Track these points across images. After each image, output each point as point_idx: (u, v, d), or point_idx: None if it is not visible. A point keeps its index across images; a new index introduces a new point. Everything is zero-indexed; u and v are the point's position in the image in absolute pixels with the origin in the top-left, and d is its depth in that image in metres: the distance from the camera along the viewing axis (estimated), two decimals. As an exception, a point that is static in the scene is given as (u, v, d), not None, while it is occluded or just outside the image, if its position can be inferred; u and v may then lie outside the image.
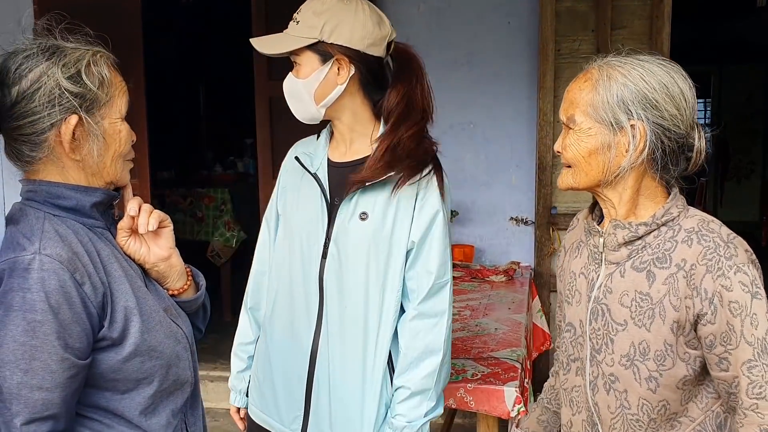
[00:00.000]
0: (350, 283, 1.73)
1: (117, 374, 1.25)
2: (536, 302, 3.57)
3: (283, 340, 1.83)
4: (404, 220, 1.72)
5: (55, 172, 1.27)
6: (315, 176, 1.79)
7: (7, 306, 1.14)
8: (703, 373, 1.38)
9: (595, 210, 1.53)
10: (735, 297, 1.28)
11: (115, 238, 1.35)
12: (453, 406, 2.17)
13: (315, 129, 1.90)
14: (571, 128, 1.40)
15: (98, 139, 1.26)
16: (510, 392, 2.12)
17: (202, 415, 1.48)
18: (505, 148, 4.08)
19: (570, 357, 1.54)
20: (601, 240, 1.44)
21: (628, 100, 1.35)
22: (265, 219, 1.96)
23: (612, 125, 1.36)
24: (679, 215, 1.39)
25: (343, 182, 1.76)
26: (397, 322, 1.75)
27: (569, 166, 1.43)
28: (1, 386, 1.13)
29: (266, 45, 1.73)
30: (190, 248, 5.50)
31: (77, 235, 1.24)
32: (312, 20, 1.67)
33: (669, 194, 1.43)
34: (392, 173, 1.68)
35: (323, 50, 1.68)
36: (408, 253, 1.73)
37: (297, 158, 1.83)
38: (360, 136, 1.78)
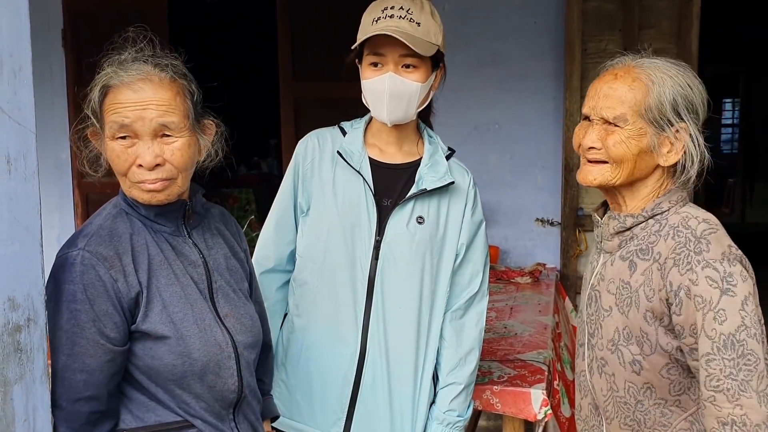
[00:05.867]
0: (405, 286, 1.77)
1: (150, 369, 1.32)
2: (567, 303, 3.54)
3: (324, 341, 1.79)
4: (455, 225, 1.82)
5: None
6: (360, 174, 1.77)
7: (57, 298, 1.24)
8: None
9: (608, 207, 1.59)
10: (700, 291, 1.30)
11: (191, 242, 1.43)
12: (479, 408, 2.16)
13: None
14: (618, 126, 1.41)
15: (104, 158, 1.37)
16: (537, 394, 2.10)
17: (258, 423, 1.51)
18: (530, 149, 4.05)
19: (579, 342, 1.61)
20: (599, 231, 1.54)
21: (679, 103, 1.40)
22: (278, 215, 1.85)
23: (661, 127, 1.40)
24: (669, 210, 1.44)
25: (395, 183, 1.79)
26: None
27: (604, 162, 1.44)
28: None
29: (406, 38, 1.64)
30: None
31: (135, 236, 1.34)
32: (433, 26, 1.71)
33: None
34: (453, 180, 1.79)
35: (437, 58, 1.75)
36: (456, 255, 1.83)
37: (339, 153, 1.78)
38: (410, 141, 1.84)
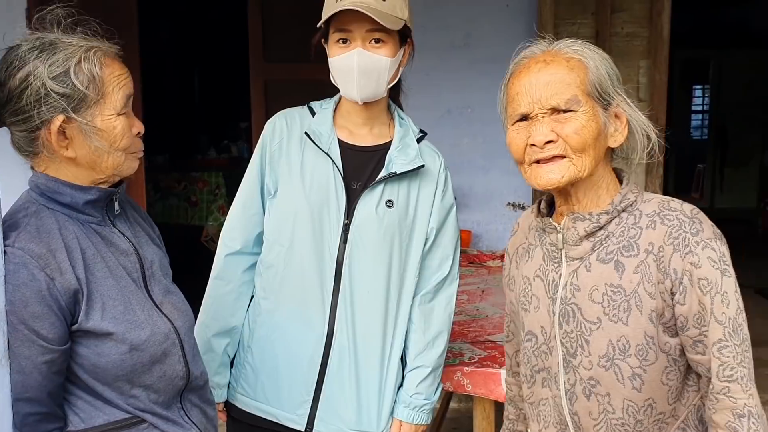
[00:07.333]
0: (374, 269, 1.75)
1: (97, 368, 1.27)
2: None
3: (291, 324, 1.77)
4: (425, 209, 1.80)
5: (54, 166, 1.29)
6: (329, 156, 1.74)
7: None
8: (686, 366, 1.31)
9: (541, 208, 1.44)
10: (704, 274, 1.22)
11: (117, 232, 1.36)
12: (450, 390, 2.16)
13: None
14: (572, 111, 1.28)
15: (91, 137, 1.26)
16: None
17: (206, 405, 1.48)
18: (502, 133, 4.00)
19: (534, 368, 1.43)
20: (560, 236, 1.36)
21: (612, 76, 1.31)
22: (245, 196, 1.82)
23: (607, 102, 1.30)
24: (636, 200, 1.33)
25: (365, 166, 1.77)
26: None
27: (561, 157, 1.29)
28: None
29: (373, 12, 1.61)
30: (184, 233, 5.50)
31: (63, 230, 1.26)
32: (399, 1, 1.68)
33: (621, 181, 1.37)
34: (423, 164, 1.76)
35: (405, 33, 1.73)
36: (426, 240, 1.81)
37: (307, 134, 1.75)
38: (381, 122, 1.81)
